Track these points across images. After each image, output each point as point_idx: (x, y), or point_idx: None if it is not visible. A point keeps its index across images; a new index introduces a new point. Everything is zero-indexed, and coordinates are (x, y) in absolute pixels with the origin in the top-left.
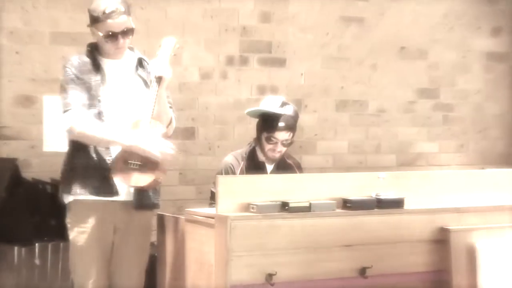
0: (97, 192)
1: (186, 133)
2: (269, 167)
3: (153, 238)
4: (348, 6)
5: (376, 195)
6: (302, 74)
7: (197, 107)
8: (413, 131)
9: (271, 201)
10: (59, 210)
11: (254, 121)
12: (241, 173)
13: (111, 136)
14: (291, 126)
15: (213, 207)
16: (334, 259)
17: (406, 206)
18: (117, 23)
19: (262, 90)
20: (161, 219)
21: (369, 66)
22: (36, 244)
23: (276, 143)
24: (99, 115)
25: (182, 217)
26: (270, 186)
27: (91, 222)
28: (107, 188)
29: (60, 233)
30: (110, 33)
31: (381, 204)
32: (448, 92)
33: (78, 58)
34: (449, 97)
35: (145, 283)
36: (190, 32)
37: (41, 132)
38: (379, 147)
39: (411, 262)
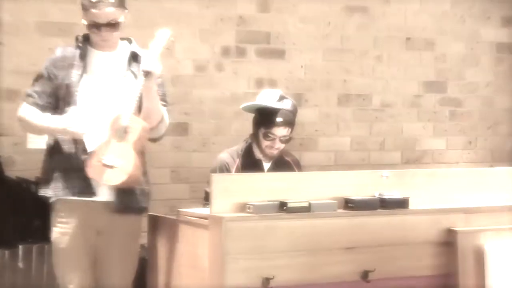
0: (76, 192)
1: (179, 129)
2: (266, 165)
3: (144, 240)
4: None
5: (380, 195)
6: (302, 67)
7: (191, 101)
8: (419, 127)
9: (268, 201)
10: (44, 211)
11: (251, 116)
12: (237, 171)
13: (52, 122)
14: (290, 122)
15: (207, 207)
16: (335, 262)
17: (411, 206)
18: (102, 13)
19: (260, 83)
20: (152, 220)
21: (373, 58)
22: (20, 247)
23: (274, 139)
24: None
25: (175, 217)
26: (267, 185)
27: (72, 223)
28: (86, 187)
29: (45, 234)
30: (93, 23)
31: (384, 204)
32: (456, 85)
33: (62, 51)
34: (457, 90)
35: None
36: (184, 22)
37: None
38: (383, 143)
39: (416, 265)
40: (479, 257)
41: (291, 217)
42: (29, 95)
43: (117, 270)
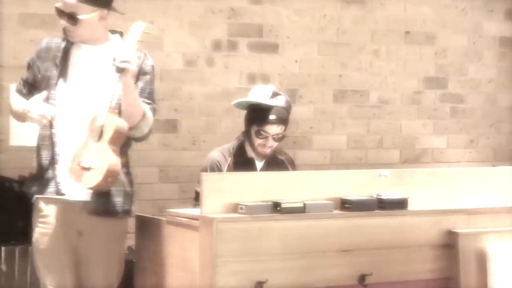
0: (56, 191)
1: (167, 126)
2: (259, 163)
3: (131, 242)
4: None
5: (378, 195)
6: (296, 61)
7: (180, 97)
8: (418, 125)
9: (261, 201)
10: (27, 211)
11: (244, 113)
12: (228, 170)
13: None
14: (283, 119)
15: (198, 207)
16: (330, 266)
17: (410, 207)
18: (62, 2)
19: (252, 79)
20: (139, 221)
21: (371, 52)
22: (2, 248)
23: (267, 137)
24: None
25: (163, 218)
26: (260, 185)
27: (52, 223)
28: (66, 187)
29: (28, 235)
30: (56, 9)
31: (382, 205)
32: (457, 81)
33: (47, 42)
34: (458, 87)
35: None
36: (172, 14)
37: (9, 124)
38: (381, 142)
39: (415, 269)
40: (481, 260)
41: (285, 218)
42: (18, 83)
43: (100, 273)
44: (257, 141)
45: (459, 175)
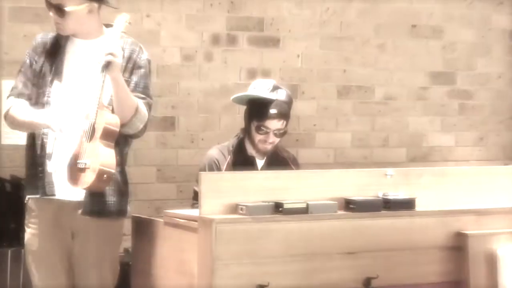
0: (48, 191)
1: (165, 123)
2: (260, 162)
3: (127, 244)
4: None
5: (383, 195)
6: (298, 56)
7: (177, 93)
8: (425, 122)
9: (262, 202)
10: (20, 212)
11: (243, 109)
12: (228, 169)
13: (37, 117)
14: (284, 113)
15: (196, 208)
16: (334, 268)
17: (418, 207)
18: None
19: (252, 74)
20: (136, 223)
21: (376, 46)
22: None
23: (267, 133)
24: (48, 103)
25: (161, 220)
26: (261, 184)
27: (43, 223)
28: (58, 186)
29: (21, 237)
30: (46, 4)
31: (389, 206)
32: (466, 76)
33: (42, 37)
34: (466, 82)
35: None
36: (169, 7)
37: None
38: (387, 139)
39: (423, 272)
40: (491, 263)
41: (287, 219)
42: (14, 87)
43: (94, 275)
44: (258, 137)
45: (468, 174)
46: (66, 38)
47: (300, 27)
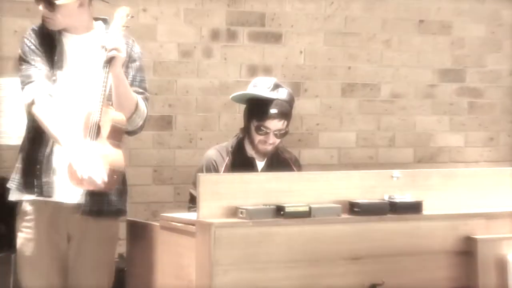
0: (43, 192)
1: (161, 122)
2: (260, 163)
3: (122, 249)
4: None
5: (389, 198)
6: (301, 52)
7: (175, 90)
8: (433, 121)
9: (263, 205)
10: (10, 215)
11: (243, 108)
12: (226, 170)
13: (59, 135)
14: (285, 113)
15: (194, 211)
16: (338, 274)
17: (425, 211)
18: None
19: (253, 71)
20: (131, 227)
21: (382, 42)
22: None
23: (268, 133)
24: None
25: (157, 224)
26: (262, 187)
27: (38, 227)
28: (55, 188)
29: (11, 242)
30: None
31: (395, 209)
32: (476, 73)
33: (38, 28)
34: (476, 79)
35: None
36: (166, 1)
37: None
38: (393, 139)
39: (430, 277)
40: (502, 268)
41: (289, 223)
42: (25, 76)
43: (90, 278)
44: (257, 138)
45: (478, 176)
46: (59, 32)
47: (303, 22)
